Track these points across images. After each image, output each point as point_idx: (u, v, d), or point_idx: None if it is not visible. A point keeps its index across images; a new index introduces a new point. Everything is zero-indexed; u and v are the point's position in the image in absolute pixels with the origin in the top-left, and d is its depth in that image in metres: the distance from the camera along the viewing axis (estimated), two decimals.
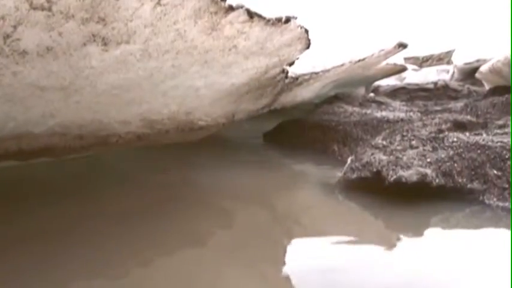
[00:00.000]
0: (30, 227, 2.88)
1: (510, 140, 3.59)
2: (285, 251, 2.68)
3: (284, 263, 2.50)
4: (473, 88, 9.56)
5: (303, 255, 2.59)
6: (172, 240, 2.72)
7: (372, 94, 9.19)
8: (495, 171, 3.34)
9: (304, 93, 6.78)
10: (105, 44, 2.35)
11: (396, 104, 7.14)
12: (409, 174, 3.27)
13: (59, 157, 3.52)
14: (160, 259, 2.47)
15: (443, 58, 16.64)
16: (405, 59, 13.11)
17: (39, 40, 2.11)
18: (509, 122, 4.23)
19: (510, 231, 2.83)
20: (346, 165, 3.76)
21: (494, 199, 3.20)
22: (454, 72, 12.85)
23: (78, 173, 4.23)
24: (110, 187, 3.82)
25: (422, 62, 16.93)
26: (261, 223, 3.08)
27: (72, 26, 2.11)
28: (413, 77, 13.24)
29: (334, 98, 7.45)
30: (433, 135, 3.91)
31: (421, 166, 3.39)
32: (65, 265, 2.36)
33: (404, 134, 3.99)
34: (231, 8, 2.53)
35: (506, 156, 3.40)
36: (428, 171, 3.32)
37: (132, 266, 2.40)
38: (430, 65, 16.19)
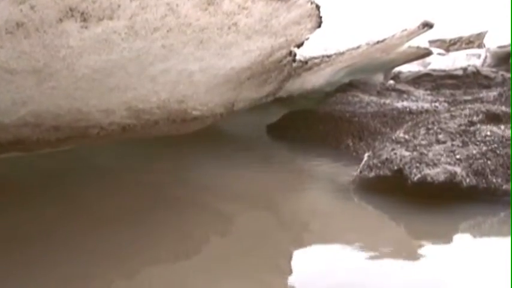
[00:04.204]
0: None
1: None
2: (291, 261, 2.67)
3: (291, 274, 2.48)
4: (507, 75, 9.52)
5: (312, 265, 2.58)
6: (161, 248, 2.70)
7: (391, 81, 9.15)
8: None
9: (314, 80, 6.77)
10: (84, 20, 2.32)
11: (420, 92, 7.13)
12: (436, 173, 3.25)
13: (31, 151, 3.50)
14: (147, 269, 2.46)
15: (474, 41, 16.60)
16: (430, 41, 13.04)
17: (8, 15, 2.09)
18: None
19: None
20: (363, 162, 3.74)
21: None
22: (486, 57, 12.82)
23: (53, 170, 4.22)
24: (90, 186, 3.80)
25: (449, 45, 16.89)
26: (265, 228, 3.07)
27: None
28: (440, 62, 13.20)
29: (349, 86, 7.45)
30: (462, 128, 3.89)
31: (449, 164, 3.36)
32: (36, 276, 2.34)
33: (430, 126, 3.97)
34: None
35: None
36: (458, 169, 3.30)
37: (114, 277, 2.39)
38: (458, 49, 16.15)
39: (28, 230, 2.91)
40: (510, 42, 8.62)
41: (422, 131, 3.92)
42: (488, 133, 3.72)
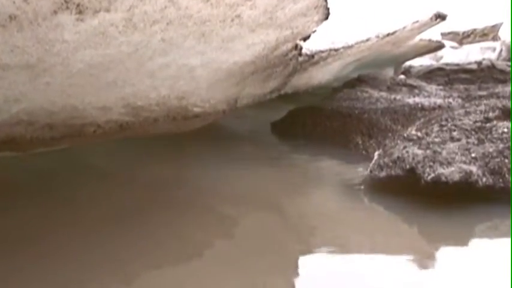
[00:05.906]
0: None
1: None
2: (298, 265, 2.66)
3: (297, 279, 2.48)
4: None
5: (320, 269, 2.57)
6: (161, 251, 2.70)
7: (402, 76, 9.15)
8: None
9: (320, 75, 6.75)
10: (80, 12, 2.31)
11: (432, 88, 7.11)
12: (450, 172, 3.24)
13: (24, 151, 3.50)
14: (147, 274, 2.45)
15: (488, 33, 16.57)
16: (442, 34, 13.03)
17: (0, 7, 2.08)
18: None
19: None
20: (373, 161, 3.74)
21: None
22: (501, 50, 12.79)
23: (48, 171, 4.22)
24: (87, 187, 3.80)
25: (463, 38, 16.86)
26: (269, 231, 3.06)
27: None
28: (453, 55, 13.18)
29: (357, 81, 7.43)
30: (478, 125, 3.88)
31: (464, 162, 3.35)
32: (32, 280, 2.34)
33: (443, 123, 3.97)
34: None
35: None
36: (473, 168, 3.29)
37: (112, 281, 2.38)
38: (472, 42, 16.12)
39: (22, 233, 2.91)
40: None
41: (436, 128, 3.91)
42: (505, 130, 3.70)
